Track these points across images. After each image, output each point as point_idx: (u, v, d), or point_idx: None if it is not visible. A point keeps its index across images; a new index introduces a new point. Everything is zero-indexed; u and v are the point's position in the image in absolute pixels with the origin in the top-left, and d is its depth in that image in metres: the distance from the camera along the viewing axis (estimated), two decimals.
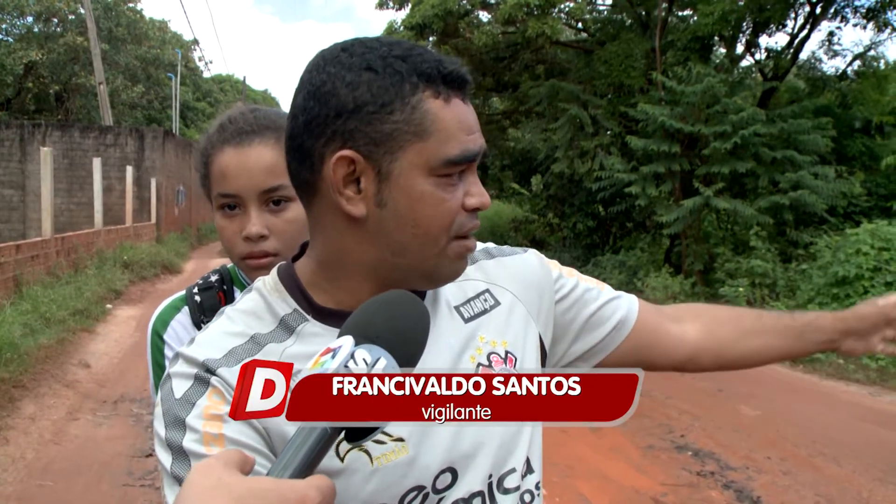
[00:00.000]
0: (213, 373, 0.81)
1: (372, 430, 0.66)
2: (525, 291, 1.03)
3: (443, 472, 0.87)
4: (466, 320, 0.96)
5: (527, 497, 0.94)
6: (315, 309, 0.89)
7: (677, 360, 1.15)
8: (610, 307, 1.09)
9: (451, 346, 0.92)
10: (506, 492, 0.91)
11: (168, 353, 1.34)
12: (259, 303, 0.90)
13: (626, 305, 1.11)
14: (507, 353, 0.96)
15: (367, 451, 0.83)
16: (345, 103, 0.81)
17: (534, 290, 1.03)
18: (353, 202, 0.84)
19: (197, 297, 1.38)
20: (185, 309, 1.38)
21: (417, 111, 0.81)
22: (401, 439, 0.85)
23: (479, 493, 0.89)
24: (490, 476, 0.90)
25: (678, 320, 1.16)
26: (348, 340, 0.67)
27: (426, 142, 0.81)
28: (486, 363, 0.94)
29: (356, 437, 0.67)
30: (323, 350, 0.67)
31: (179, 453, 0.77)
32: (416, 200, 0.83)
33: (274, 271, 0.94)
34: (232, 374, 0.80)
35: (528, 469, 0.95)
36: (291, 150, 0.86)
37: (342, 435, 0.67)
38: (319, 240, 0.90)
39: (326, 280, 0.90)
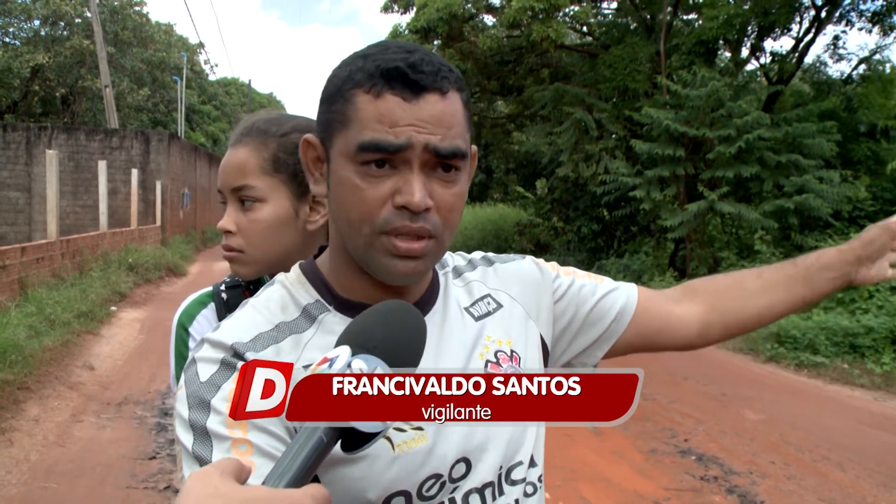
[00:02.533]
0: (241, 356, 0.83)
1: (368, 439, 0.66)
2: (523, 294, 1.08)
3: (458, 461, 0.90)
4: (476, 319, 1.01)
5: (529, 489, 0.98)
6: (337, 300, 0.93)
7: (686, 339, 1.17)
8: (609, 299, 1.12)
9: (463, 344, 0.97)
10: (513, 483, 0.95)
11: (192, 345, 1.36)
12: (282, 293, 0.93)
13: (625, 295, 1.13)
14: (512, 351, 1.01)
15: (388, 438, 0.85)
16: (321, 96, 0.91)
17: (532, 293, 1.08)
18: (318, 182, 0.94)
19: (223, 295, 1.41)
20: (212, 305, 1.41)
21: (348, 103, 0.86)
22: (420, 428, 0.88)
23: (491, 484, 0.93)
24: (501, 467, 0.94)
25: (679, 301, 1.18)
26: (345, 350, 0.67)
27: (349, 130, 0.86)
28: (494, 360, 0.98)
29: (352, 446, 0.67)
30: (320, 360, 0.68)
31: (202, 434, 0.78)
32: (339, 185, 0.88)
33: (296, 266, 0.98)
34: (259, 357, 0.83)
35: (532, 462, 0.99)
36: None
37: (338, 444, 0.67)
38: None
39: (341, 270, 0.94)
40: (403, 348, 0.71)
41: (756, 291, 1.18)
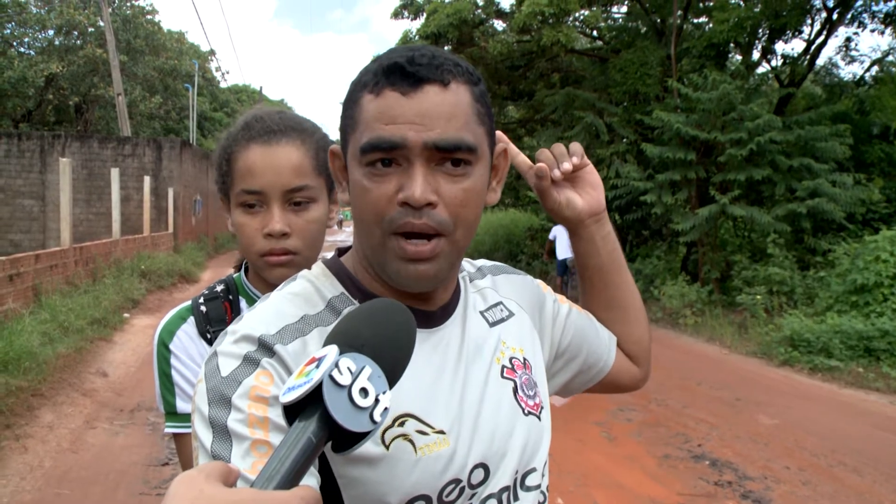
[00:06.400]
0: (268, 348, 0.81)
1: (358, 439, 0.65)
2: (530, 308, 1.10)
3: (476, 467, 0.89)
4: (491, 325, 1.02)
5: (540, 497, 0.99)
6: (363, 293, 0.92)
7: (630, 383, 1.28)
8: (602, 339, 1.18)
9: (483, 348, 0.98)
10: (527, 489, 0.96)
11: (175, 362, 1.33)
12: (306, 287, 0.93)
13: (610, 340, 1.20)
14: (524, 359, 1.03)
15: (411, 441, 0.85)
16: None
17: (536, 309, 1.12)
18: (344, 190, 0.95)
19: (203, 308, 1.37)
20: (191, 319, 1.37)
21: (357, 106, 0.87)
22: (442, 432, 0.87)
23: (507, 488, 0.93)
24: (517, 472, 0.94)
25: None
26: (333, 349, 0.66)
27: (356, 133, 0.87)
28: (510, 366, 0.99)
29: (342, 447, 0.66)
30: (308, 360, 0.67)
31: (222, 432, 0.75)
32: (353, 188, 0.89)
33: (319, 262, 0.98)
34: (286, 351, 0.82)
35: (543, 473, 1.00)
36: None
37: (329, 445, 0.66)
38: None
39: (361, 272, 0.94)
40: (392, 347, 0.70)
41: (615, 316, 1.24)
